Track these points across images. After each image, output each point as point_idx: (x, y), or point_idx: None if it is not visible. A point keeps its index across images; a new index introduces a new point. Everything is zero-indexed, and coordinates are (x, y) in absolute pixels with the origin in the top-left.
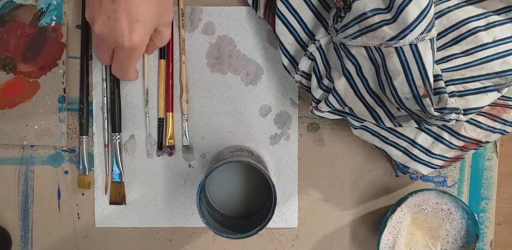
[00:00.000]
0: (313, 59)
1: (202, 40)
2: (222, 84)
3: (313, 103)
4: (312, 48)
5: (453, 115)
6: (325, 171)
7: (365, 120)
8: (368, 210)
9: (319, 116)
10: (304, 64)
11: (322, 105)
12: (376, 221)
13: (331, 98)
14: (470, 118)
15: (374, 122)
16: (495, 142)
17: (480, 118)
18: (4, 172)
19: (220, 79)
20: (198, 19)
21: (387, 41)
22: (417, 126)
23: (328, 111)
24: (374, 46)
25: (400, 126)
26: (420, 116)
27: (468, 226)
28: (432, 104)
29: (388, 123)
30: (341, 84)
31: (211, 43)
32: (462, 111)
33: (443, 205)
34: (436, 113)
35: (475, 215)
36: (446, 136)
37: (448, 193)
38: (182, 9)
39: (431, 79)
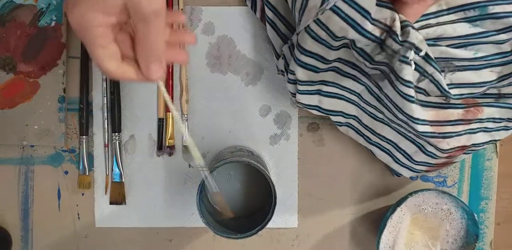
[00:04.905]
0: (283, 58)
1: (202, 40)
2: (222, 84)
3: (292, 98)
4: (285, 49)
5: (412, 54)
6: (325, 171)
7: (350, 116)
8: (368, 210)
9: (306, 109)
10: (280, 64)
11: (298, 97)
12: (376, 221)
13: (299, 86)
14: (452, 132)
15: (354, 88)
16: (495, 142)
17: (459, 128)
18: (4, 172)
19: (220, 79)
20: (198, 19)
21: (320, 7)
22: (392, 88)
23: (314, 109)
24: (314, 21)
25: (378, 85)
26: (387, 64)
27: (468, 226)
28: (398, 36)
29: (368, 82)
30: (299, 73)
31: (211, 43)
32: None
33: (443, 205)
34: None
35: (475, 215)
36: (429, 148)
37: (448, 193)
38: (182, 9)
39: (373, 13)
